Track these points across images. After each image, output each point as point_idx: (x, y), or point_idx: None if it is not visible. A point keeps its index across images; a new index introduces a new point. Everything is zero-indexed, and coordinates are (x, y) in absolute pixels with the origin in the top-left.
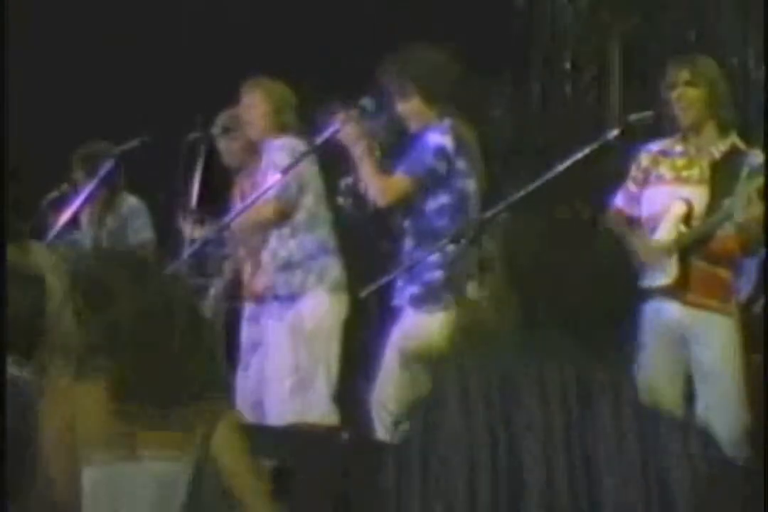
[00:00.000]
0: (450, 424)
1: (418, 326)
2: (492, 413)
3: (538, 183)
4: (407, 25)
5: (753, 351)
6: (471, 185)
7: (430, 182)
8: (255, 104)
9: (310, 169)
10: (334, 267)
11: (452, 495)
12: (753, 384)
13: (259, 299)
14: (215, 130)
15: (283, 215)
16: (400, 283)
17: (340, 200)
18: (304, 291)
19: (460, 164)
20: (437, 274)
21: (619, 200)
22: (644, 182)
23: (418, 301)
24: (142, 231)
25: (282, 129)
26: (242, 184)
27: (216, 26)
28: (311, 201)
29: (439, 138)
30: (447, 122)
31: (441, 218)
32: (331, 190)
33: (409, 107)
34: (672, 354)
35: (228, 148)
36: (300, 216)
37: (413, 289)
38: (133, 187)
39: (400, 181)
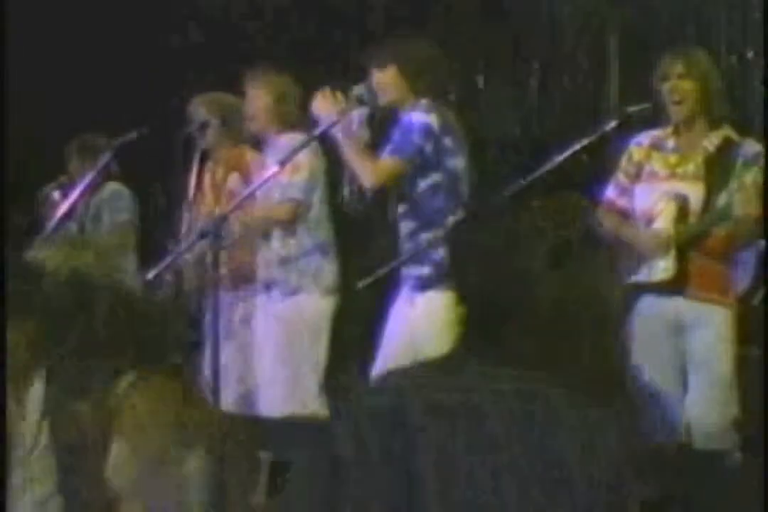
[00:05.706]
0: None
1: (425, 307)
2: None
3: (535, 174)
4: (404, 14)
5: (750, 343)
6: (460, 163)
7: (419, 161)
8: (257, 96)
9: (320, 167)
10: (329, 269)
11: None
12: (747, 375)
13: (246, 290)
14: (193, 125)
15: (297, 217)
16: (405, 270)
17: (342, 193)
18: (298, 289)
19: (447, 142)
20: (444, 252)
21: (611, 192)
22: (636, 176)
23: (428, 282)
24: (120, 212)
25: (284, 122)
26: (216, 173)
27: (212, 20)
28: (318, 200)
29: (423, 116)
30: (425, 101)
31: (434, 198)
32: (333, 184)
33: (385, 78)
34: (669, 346)
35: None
36: (305, 215)
37: (422, 270)
38: (130, 180)
39: (389, 162)
